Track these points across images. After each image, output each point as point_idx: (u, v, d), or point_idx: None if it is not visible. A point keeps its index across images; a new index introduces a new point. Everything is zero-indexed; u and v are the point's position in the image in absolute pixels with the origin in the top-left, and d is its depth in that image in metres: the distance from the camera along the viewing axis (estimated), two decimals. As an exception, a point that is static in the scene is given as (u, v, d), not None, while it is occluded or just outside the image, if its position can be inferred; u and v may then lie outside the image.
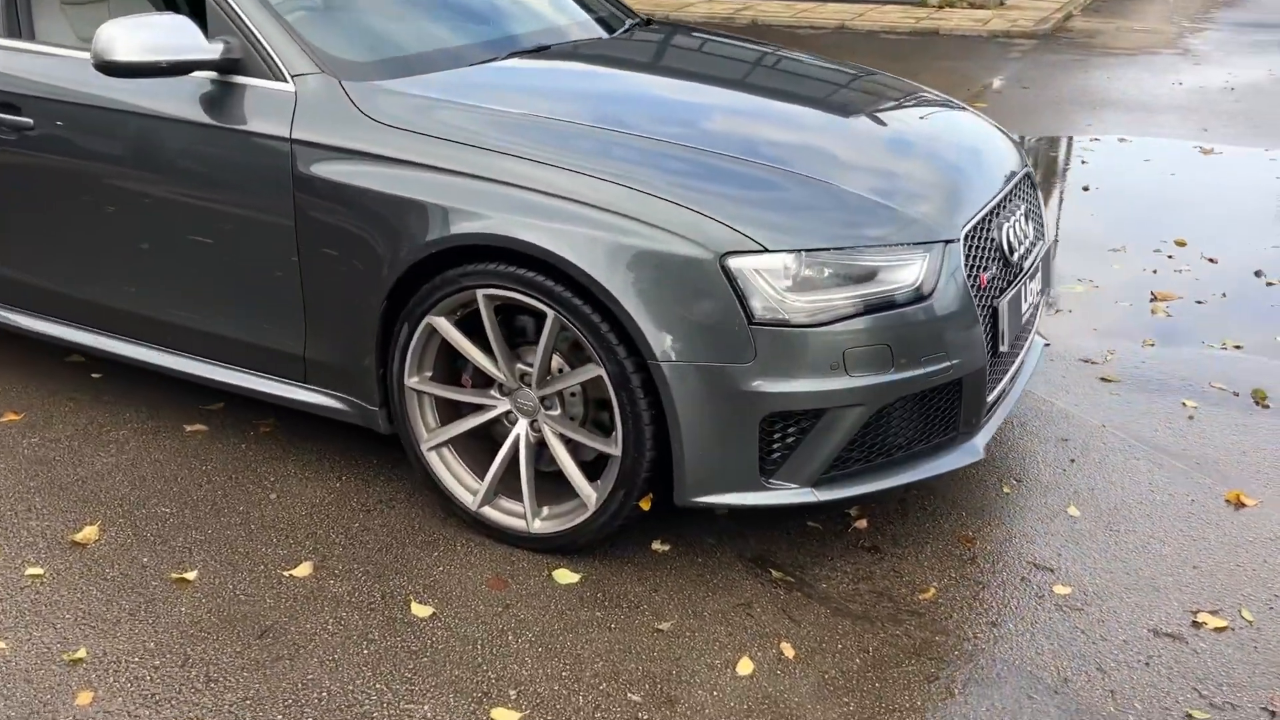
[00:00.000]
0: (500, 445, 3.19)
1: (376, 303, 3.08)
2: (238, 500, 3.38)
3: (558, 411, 3.06)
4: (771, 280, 2.75)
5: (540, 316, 2.99)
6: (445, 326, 3.06)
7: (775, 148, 3.16)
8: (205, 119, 3.23)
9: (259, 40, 3.19)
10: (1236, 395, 4.14)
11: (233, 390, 3.48)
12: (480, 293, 2.95)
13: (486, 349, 3.06)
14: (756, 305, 2.74)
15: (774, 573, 3.09)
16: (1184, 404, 4.07)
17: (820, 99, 3.76)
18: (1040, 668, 2.72)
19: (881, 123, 3.54)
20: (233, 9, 3.22)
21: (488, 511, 3.17)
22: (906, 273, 2.84)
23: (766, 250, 2.75)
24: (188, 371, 3.53)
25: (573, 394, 3.05)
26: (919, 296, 2.86)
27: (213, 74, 3.23)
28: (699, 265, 2.75)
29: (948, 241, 2.92)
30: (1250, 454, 3.73)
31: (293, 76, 3.17)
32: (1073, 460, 3.67)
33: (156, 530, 3.23)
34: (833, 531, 3.27)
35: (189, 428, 3.77)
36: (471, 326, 3.07)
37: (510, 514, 3.16)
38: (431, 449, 3.20)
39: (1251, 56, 11.01)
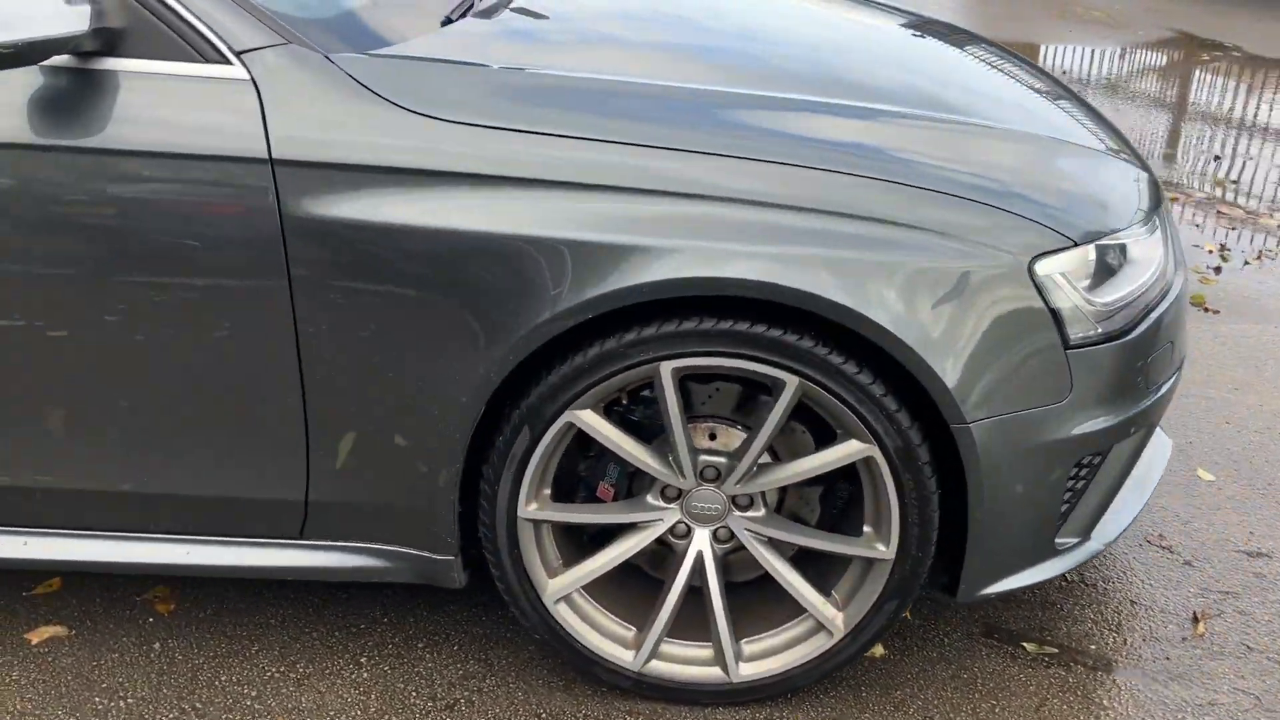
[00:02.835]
0: (647, 571, 2.22)
1: (467, 403, 1.96)
2: (224, 742, 2.12)
3: (761, 512, 2.13)
4: (1075, 284, 2.00)
5: (743, 382, 2.05)
6: (595, 422, 2.01)
7: (998, 105, 2.37)
8: (76, 139, 1.87)
9: (164, -4, 1.88)
10: None
11: (165, 571, 2.16)
12: (667, 366, 1.94)
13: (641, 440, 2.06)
14: (1068, 320, 1.99)
15: (1028, 647, 2.39)
16: None
17: (964, 47, 2.93)
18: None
19: (1038, 75, 2.83)
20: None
21: (658, 667, 2.19)
22: (1158, 252, 2.21)
23: (1074, 244, 2.00)
24: (79, 559, 2.14)
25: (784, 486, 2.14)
26: (1169, 279, 2.24)
27: (71, 60, 1.88)
28: (1003, 279, 1.95)
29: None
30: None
31: (238, 54, 1.90)
32: None
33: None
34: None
35: (33, 636, 2.34)
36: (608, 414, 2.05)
37: (692, 662, 2.20)
38: (560, 599, 2.14)
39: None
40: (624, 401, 2.14)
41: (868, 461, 2.01)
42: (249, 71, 1.89)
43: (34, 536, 2.12)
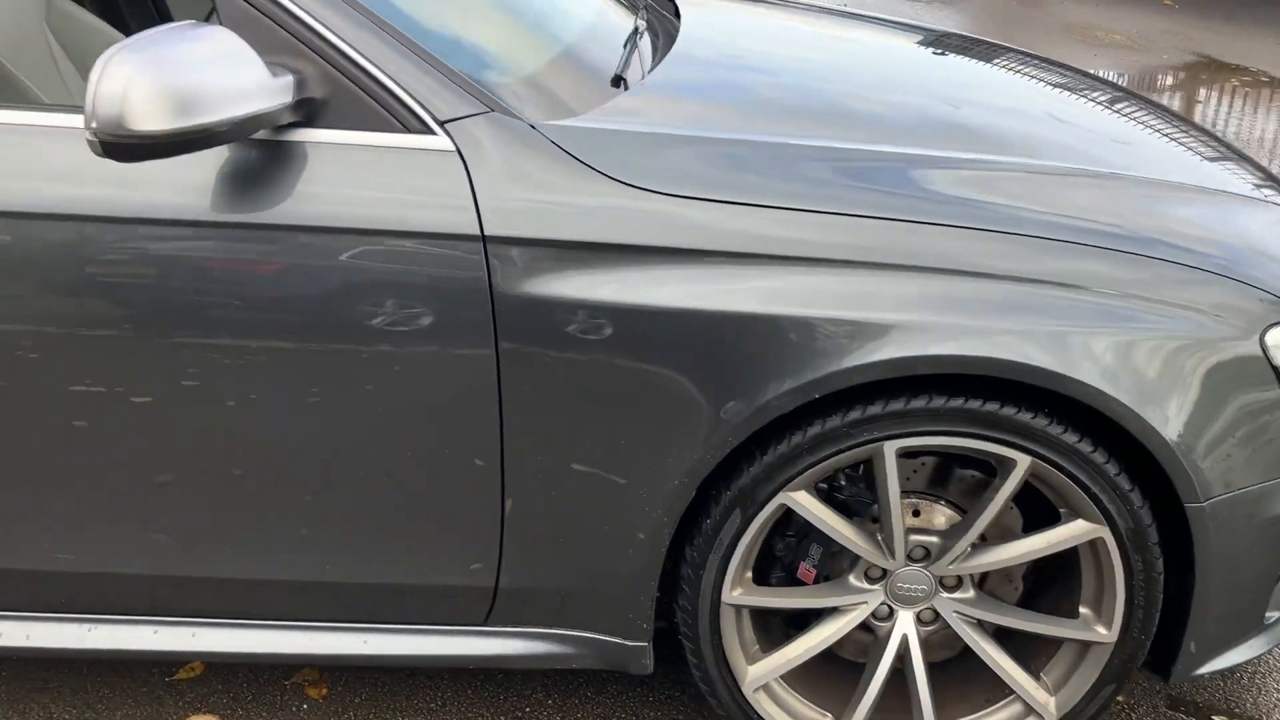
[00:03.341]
0: (842, 654, 2.12)
1: (678, 486, 1.85)
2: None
3: (970, 593, 2.04)
4: None
5: (959, 461, 1.97)
6: (809, 504, 1.91)
7: (1164, 157, 2.30)
8: (268, 215, 1.76)
9: (366, 64, 1.77)
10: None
11: (342, 662, 2.04)
12: (891, 446, 1.85)
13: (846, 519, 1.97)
14: None
15: (1218, 722, 2.31)
16: None
17: (1061, 83, 2.83)
18: None
19: (1163, 115, 2.76)
20: (308, 15, 1.76)
21: (859, 756, 2.09)
22: None
23: (1294, 308, 1.93)
24: (267, 651, 2.02)
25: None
26: None
27: (265, 132, 1.76)
28: (1241, 353, 1.87)
29: None
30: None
31: (442, 124, 1.79)
32: None
33: None
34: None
35: None
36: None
37: (892, 750, 2.10)
38: (759, 688, 2.04)
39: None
40: (832, 479, 2.04)
41: (1093, 542, 1.92)
42: (454, 142, 1.78)
43: (204, 628, 2.00)
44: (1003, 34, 8.76)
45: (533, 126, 1.83)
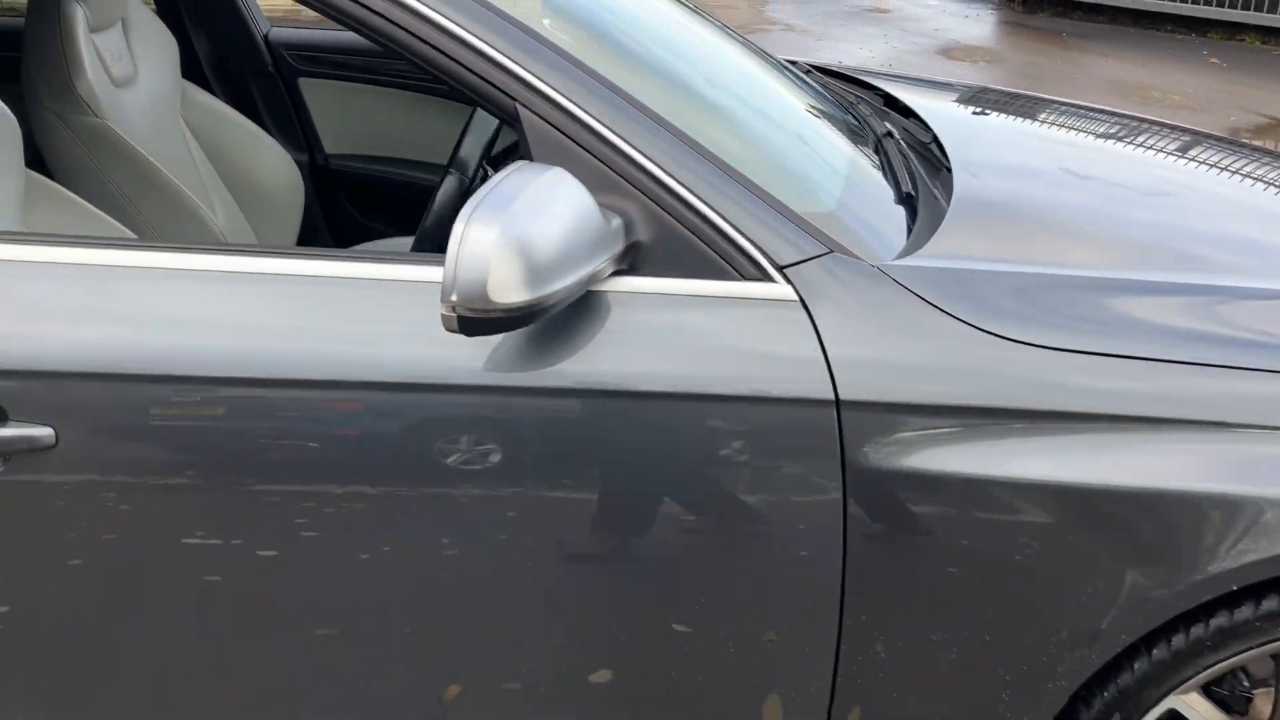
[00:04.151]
0: None
1: (1051, 690, 1.59)
2: None
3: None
4: None
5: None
6: (1205, 710, 1.63)
7: None
8: (590, 379, 1.49)
9: (700, 205, 1.51)
10: None
11: None
12: (1309, 641, 1.57)
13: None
14: None
15: None
16: None
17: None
18: None
19: None
20: (638, 153, 1.50)
21: None
22: None
23: None
24: None
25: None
26: None
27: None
28: None
29: None
30: None
31: (781, 269, 1.53)
32: None
33: None
34: None
35: None
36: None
37: None
38: None
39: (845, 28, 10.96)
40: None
41: None
42: (795, 290, 1.52)
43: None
44: (1059, 94, 8.61)
45: (878, 268, 1.56)
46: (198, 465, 1.49)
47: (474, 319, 1.30)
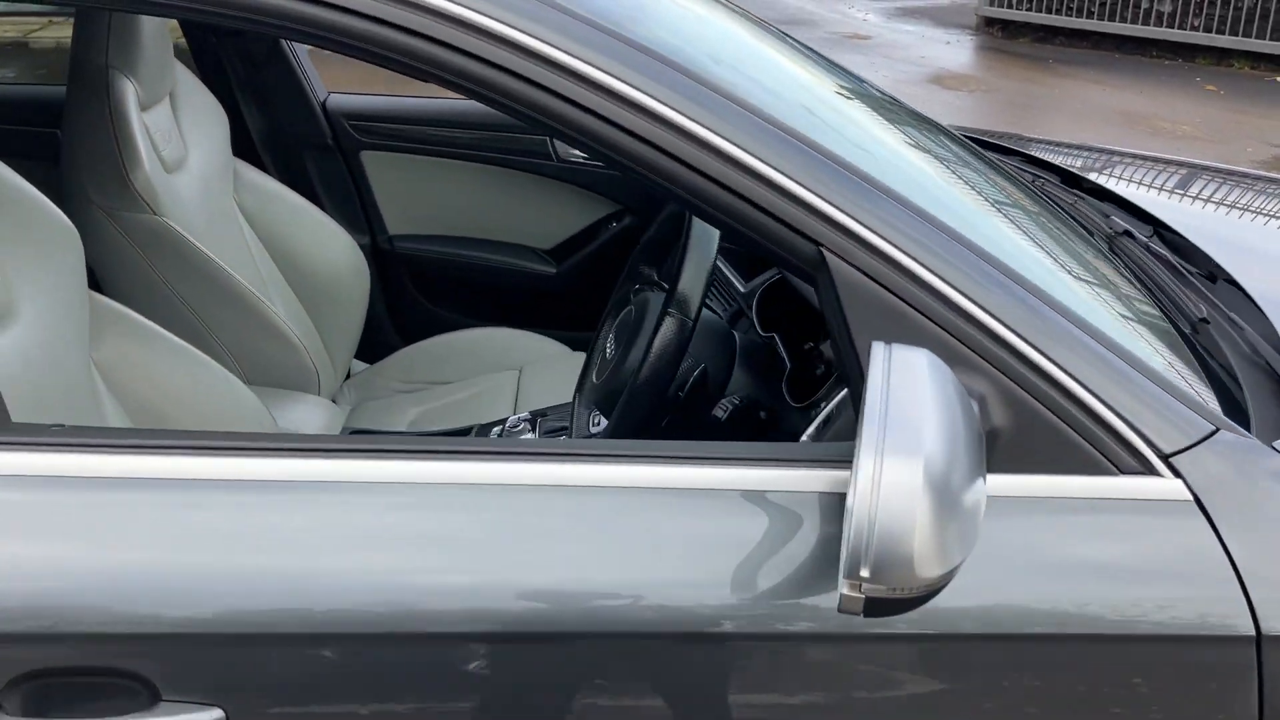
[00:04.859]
0: None
1: None
2: None
3: None
4: None
5: None
6: None
7: None
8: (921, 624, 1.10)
9: (1072, 384, 1.12)
10: None
11: None
12: None
13: None
14: None
15: None
16: None
17: None
18: None
19: None
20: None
21: None
22: None
23: None
24: None
25: None
26: None
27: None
28: None
29: None
30: None
31: (1166, 458, 1.15)
32: None
33: None
34: None
35: None
36: None
37: None
38: None
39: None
40: None
41: None
42: (1187, 484, 1.14)
43: None
44: (1067, 127, 8.39)
45: (1274, 448, 1.20)
46: None
47: (885, 600, 0.91)
